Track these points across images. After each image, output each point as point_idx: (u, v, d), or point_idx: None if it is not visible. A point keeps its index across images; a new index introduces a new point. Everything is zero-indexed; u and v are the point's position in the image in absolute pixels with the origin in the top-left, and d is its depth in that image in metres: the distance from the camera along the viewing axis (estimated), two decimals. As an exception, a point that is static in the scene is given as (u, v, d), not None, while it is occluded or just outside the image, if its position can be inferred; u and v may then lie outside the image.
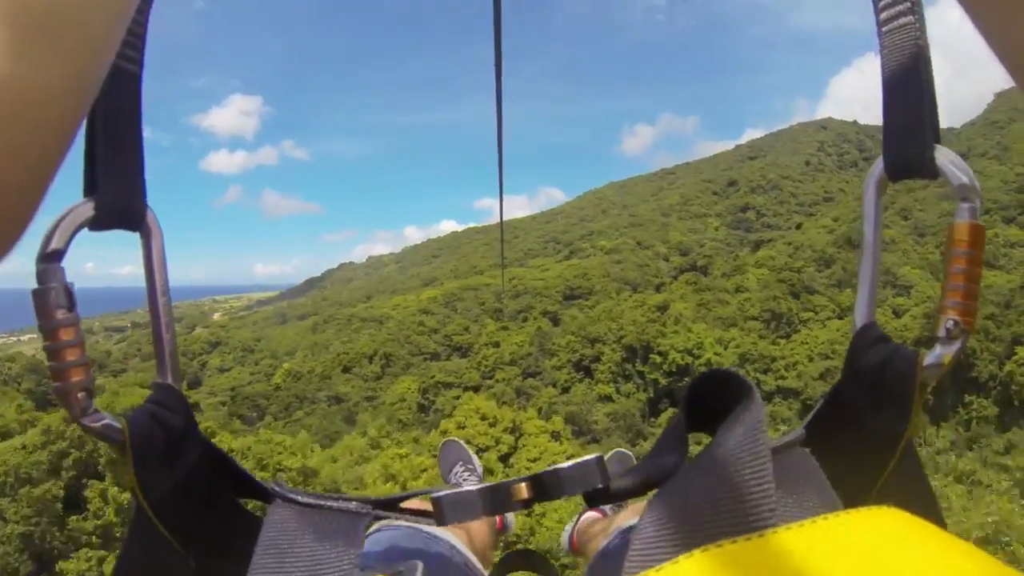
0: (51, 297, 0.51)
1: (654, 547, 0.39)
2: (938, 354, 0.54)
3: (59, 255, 0.51)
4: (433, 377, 67.25)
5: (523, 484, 0.61)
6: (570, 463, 0.60)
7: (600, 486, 0.59)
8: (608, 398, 58.17)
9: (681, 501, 0.42)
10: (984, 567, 0.33)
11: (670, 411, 59.99)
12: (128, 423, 0.54)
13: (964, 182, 0.54)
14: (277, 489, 0.65)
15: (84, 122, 0.36)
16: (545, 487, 0.60)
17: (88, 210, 0.53)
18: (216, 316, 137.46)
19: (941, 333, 0.54)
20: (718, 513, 0.40)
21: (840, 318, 65.62)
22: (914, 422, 0.55)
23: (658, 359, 58.09)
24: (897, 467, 0.57)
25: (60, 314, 0.51)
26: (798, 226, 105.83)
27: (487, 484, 0.61)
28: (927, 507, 0.56)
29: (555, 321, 79.13)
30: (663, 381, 57.65)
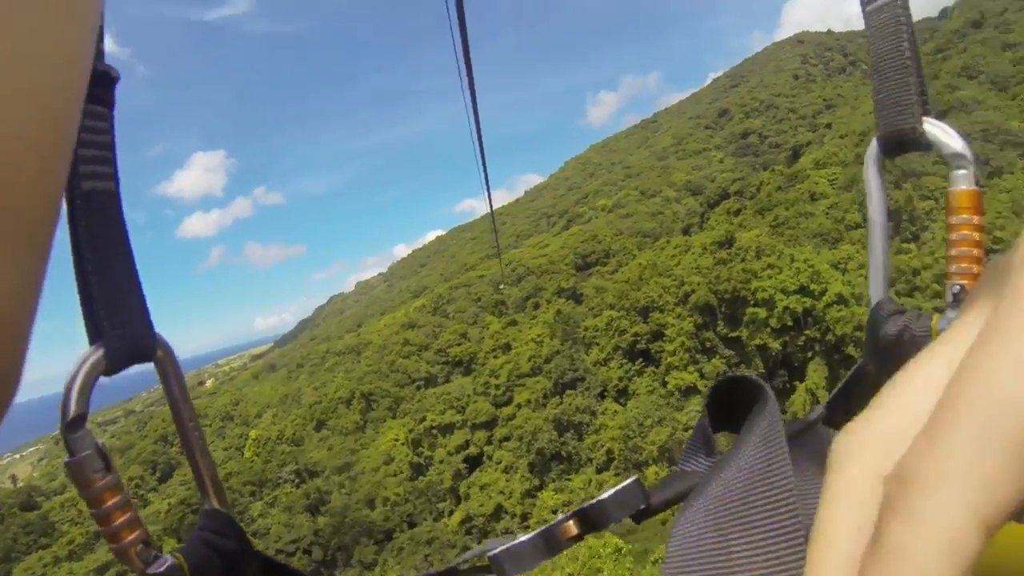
0: (87, 466, 0.49)
1: (690, 542, 0.41)
2: (949, 318, 0.56)
3: (82, 419, 0.50)
4: (424, 420, 47.46)
5: (570, 522, 0.61)
6: (611, 491, 0.61)
7: (643, 507, 0.61)
8: (692, 389, 38.40)
9: (706, 501, 0.43)
10: None
11: (801, 388, 41.00)
12: (185, 558, 0.55)
13: (955, 150, 0.55)
14: None
15: (43, 285, 0.27)
16: (591, 519, 0.61)
17: (98, 359, 0.51)
18: (208, 383, 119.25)
19: (949, 298, 0.57)
20: (745, 504, 0.42)
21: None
22: None
23: (760, 313, 38.49)
24: None
25: (99, 479, 0.50)
26: (825, 125, 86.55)
27: (537, 530, 0.61)
28: None
29: (576, 299, 59.60)
30: (773, 344, 37.99)
